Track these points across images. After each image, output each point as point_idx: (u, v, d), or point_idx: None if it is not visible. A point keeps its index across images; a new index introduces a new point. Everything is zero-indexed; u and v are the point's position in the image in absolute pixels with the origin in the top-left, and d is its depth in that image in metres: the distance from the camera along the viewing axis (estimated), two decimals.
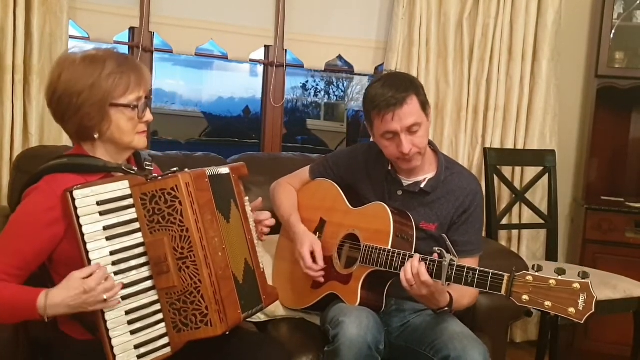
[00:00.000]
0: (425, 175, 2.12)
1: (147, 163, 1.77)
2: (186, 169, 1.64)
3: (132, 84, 1.64)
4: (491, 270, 1.75)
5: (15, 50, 2.57)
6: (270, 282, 2.33)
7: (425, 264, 1.84)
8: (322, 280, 2.13)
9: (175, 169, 1.64)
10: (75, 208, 1.54)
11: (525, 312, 2.70)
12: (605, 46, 3.30)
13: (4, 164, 2.61)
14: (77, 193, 1.54)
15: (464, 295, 2.01)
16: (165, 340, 1.61)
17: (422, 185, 2.10)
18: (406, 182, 2.13)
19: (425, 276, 1.81)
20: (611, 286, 2.75)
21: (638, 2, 3.35)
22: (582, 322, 1.59)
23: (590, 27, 3.54)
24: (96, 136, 1.65)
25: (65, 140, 2.67)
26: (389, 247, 1.96)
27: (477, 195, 2.12)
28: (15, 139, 2.61)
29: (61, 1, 2.64)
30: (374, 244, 2.00)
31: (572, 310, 1.59)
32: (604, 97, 3.36)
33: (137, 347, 1.58)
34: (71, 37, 2.79)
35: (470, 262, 2.00)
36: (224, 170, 1.78)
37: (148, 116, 1.70)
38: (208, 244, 1.61)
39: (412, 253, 1.90)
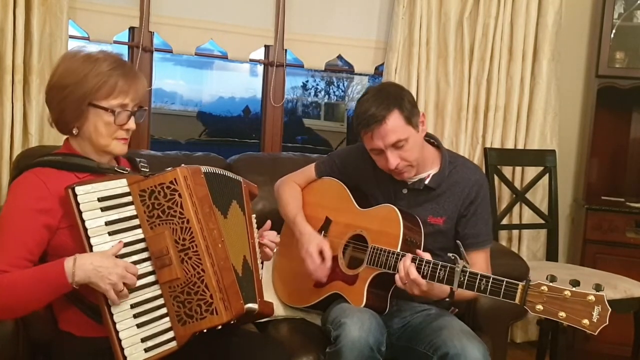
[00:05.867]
0: (429, 171, 2.11)
1: (143, 164, 1.80)
2: (182, 165, 1.67)
3: (118, 90, 1.64)
4: (505, 279, 1.74)
5: (15, 51, 2.57)
6: (270, 278, 2.34)
7: (437, 269, 1.83)
8: (325, 280, 2.12)
9: (169, 168, 1.66)
10: (78, 204, 1.56)
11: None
12: (605, 46, 3.30)
13: (4, 164, 2.60)
14: (79, 189, 1.56)
15: None
16: (171, 334, 1.62)
17: (427, 182, 2.09)
18: (410, 180, 2.11)
19: (414, 274, 1.83)
20: (611, 286, 2.74)
21: (638, 2, 3.35)
22: (595, 333, 1.59)
23: (591, 27, 3.54)
24: (75, 132, 1.67)
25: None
26: (398, 250, 1.95)
27: (482, 186, 2.10)
28: (15, 139, 2.61)
29: (61, 1, 2.64)
30: (382, 246, 1.99)
31: (586, 321, 1.60)
32: (604, 97, 3.36)
33: (143, 340, 1.58)
34: (71, 37, 2.79)
35: (482, 256, 2.03)
36: (237, 177, 1.86)
37: (130, 124, 1.69)
38: (208, 235, 1.64)
39: (416, 256, 1.89)
